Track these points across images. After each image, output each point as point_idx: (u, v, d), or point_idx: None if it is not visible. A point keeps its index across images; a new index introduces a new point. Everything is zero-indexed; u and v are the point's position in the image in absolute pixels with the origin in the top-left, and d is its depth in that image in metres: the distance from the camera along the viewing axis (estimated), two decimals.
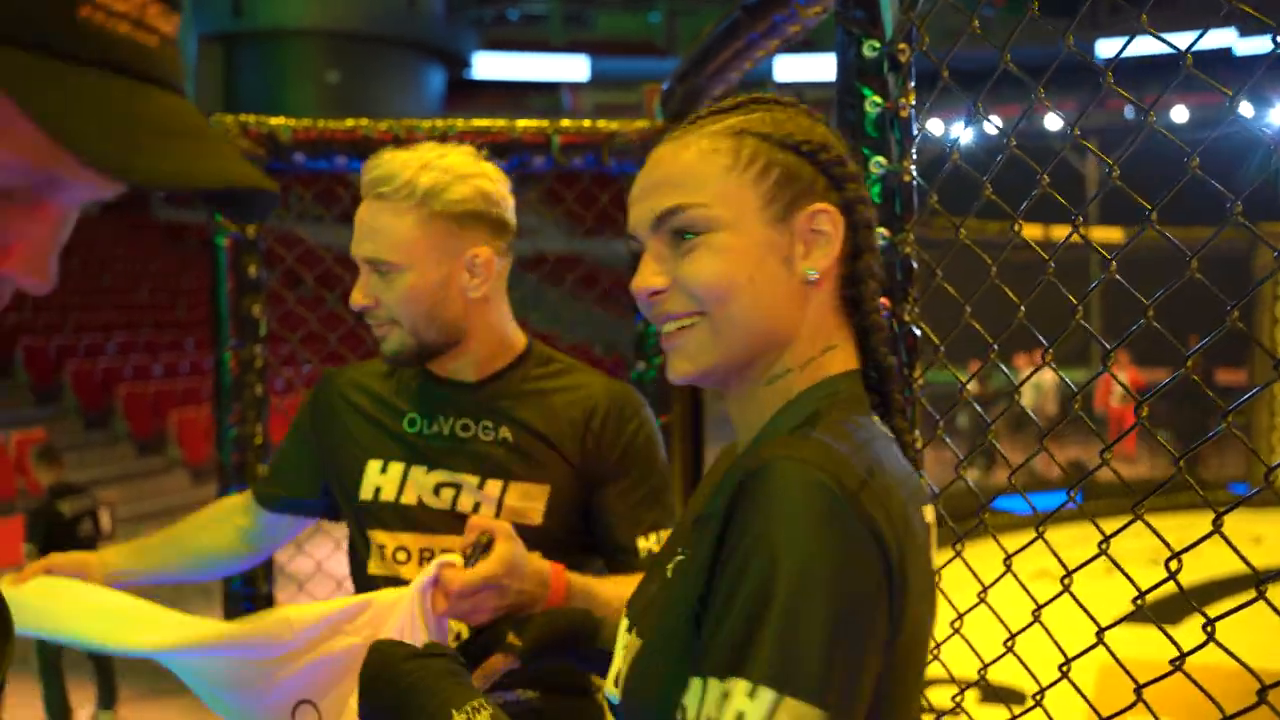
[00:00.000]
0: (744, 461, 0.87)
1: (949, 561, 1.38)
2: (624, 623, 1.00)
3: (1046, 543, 1.26)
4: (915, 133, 1.38)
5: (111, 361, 14.75)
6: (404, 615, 1.34)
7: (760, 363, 0.94)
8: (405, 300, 1.53)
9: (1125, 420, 12.75)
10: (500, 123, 2.45)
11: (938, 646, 1.42)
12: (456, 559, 1.33)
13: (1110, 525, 1.18)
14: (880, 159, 1.35)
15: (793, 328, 0.93)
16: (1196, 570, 1.12)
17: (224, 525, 1.81)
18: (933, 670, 1.39)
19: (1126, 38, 1.17)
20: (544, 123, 2.46)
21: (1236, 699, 1.09)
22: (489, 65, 34.88)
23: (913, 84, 1.37)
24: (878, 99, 1.35)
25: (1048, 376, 13.88)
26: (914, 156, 1.37)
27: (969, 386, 1.41)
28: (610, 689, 0.98)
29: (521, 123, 2.46)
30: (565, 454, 1.58)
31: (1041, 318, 1.29)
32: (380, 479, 1.61)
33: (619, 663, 0.97)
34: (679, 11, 33.09)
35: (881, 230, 1.36)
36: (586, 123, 2.47)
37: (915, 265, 1.40)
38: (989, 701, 1.77)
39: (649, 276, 0.93)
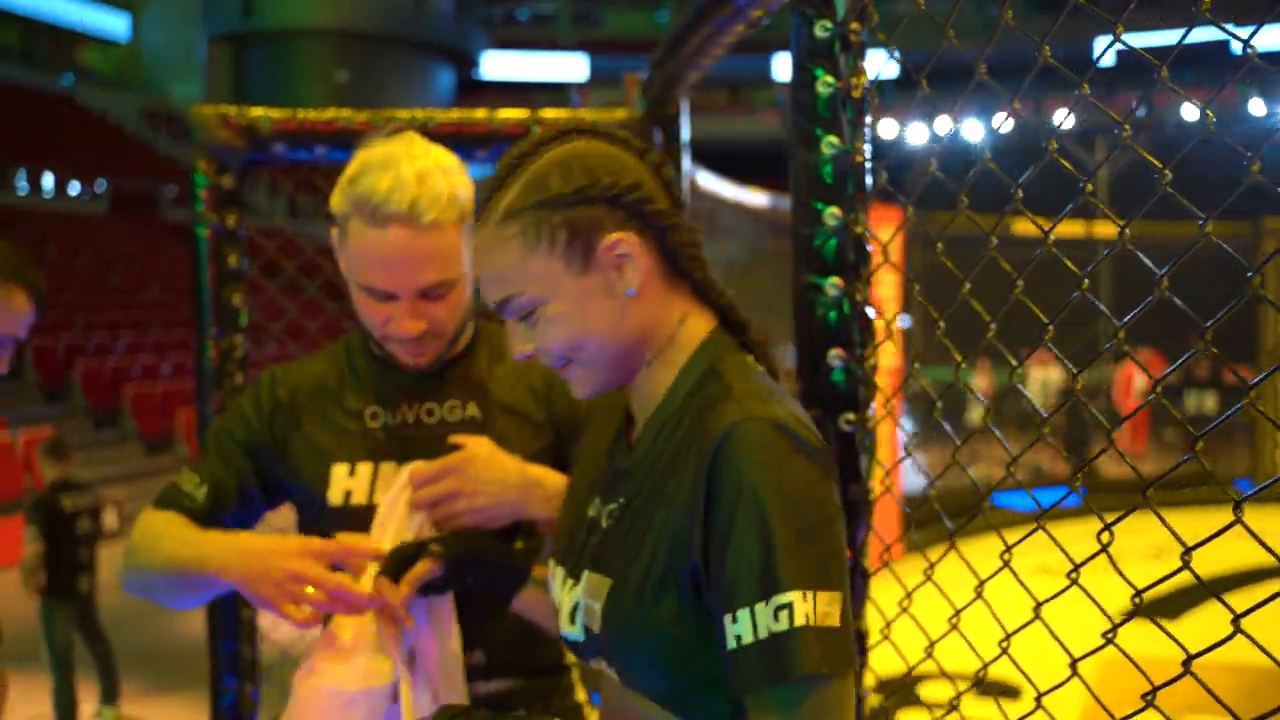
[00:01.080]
0: (701, 429, 1.02)
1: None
2: (558, 571, 1.15)
3: (997, 534, 1.25)
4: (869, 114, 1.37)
5: (120, 360, 14.84)
6: (382, 527, 1.40)
7: (635, 359, 1.10)
8: (455, 310, 1.50)
9: (1142, 419, 12.68)
10: (480, 113, 2.45)
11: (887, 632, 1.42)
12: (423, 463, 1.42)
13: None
14: (832, 139, 1.35)
15: (645, 328, 1.09)
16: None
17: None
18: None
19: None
20: (524, 113, 2.46)
21: (1244, 694, 1.08)
22: (498, 65, 34.95)
23: (864, 64, 1.37)
24: (830, 79, 1.35)
25: (1054, 374, 13.84)
26: (866, 136, 1.36)
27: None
28: (568, 627, 1.11)
29: (501, 113, 2.45)
30: (534, 420, 1.59)
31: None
32: (349, 482, 1.56)
33: (570, 602, 1.11)
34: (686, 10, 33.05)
35: (834, 210, 1.36)
36: (566, 112, 2.47)
37: (869, 247, 1.40)
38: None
39: (517, 345, 1.11)
